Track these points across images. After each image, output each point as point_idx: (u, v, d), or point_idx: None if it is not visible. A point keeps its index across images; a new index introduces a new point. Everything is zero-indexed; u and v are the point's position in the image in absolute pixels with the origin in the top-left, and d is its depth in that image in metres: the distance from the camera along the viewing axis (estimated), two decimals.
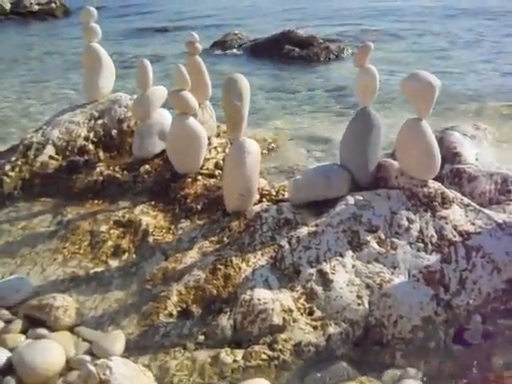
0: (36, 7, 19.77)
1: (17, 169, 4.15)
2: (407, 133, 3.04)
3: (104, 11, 20.35)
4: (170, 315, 2.62)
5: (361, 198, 3.01)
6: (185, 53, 4.32)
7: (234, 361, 2.36)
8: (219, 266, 2.79)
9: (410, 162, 3.05)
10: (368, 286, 2.60)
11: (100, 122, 4.49)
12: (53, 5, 20.40)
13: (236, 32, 11.11)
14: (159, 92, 4.12)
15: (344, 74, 8.25)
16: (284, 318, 2.50)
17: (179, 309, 2.65)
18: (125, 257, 3.11)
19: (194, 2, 20.83)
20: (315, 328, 2.48)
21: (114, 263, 3.07)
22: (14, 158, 4.24)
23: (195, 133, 3.66)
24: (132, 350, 2.48)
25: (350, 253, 2.76)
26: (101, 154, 4.32)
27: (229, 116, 3.08)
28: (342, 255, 2.75)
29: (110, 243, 3.21)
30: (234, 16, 15.65)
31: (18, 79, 9.04)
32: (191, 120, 3.67)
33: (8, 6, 19.72)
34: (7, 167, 4.16)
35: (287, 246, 2.85)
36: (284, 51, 9.40)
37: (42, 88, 8.26)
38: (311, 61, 9.13)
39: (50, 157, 4.25)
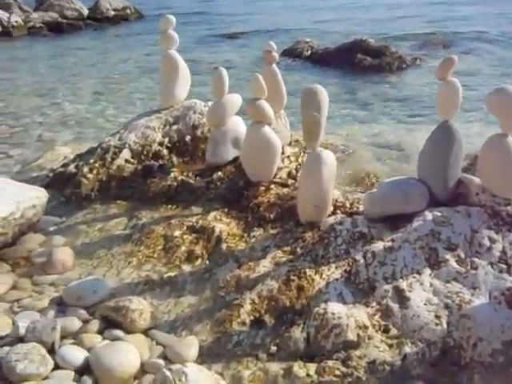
0: (112, 13, 20.35)
1: (94, 171, 4.27)
2: (491, 148, 2.94)
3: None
4: (243, 324, 2.62)
5: (439, 214, 2.93)
6: (262, 60, 4.35)
7: (307, 375, 2.33)
8: (292, 277, 2.78)
9: (493, 179, 2.95)
10: (447, 306, 2.52)
11: (175, 127, 4.57)
12: (128, 10, 20.98)
13: (307, 40, 11.07)
14: (234, 99, 4.14)
15: (417, 84, 8.11)
16: (358, 335, 2.45)
17: (252, 318, 2.64)
18: (198, 262, 3.14)
19: (263, 9, 20.97)
20: (390, 346, 2.42)
21: (187, 268, 3.10)
22: (91, 161, 4.37)
23: (270, 142, 3.66)
24: (205, 356, 2.49)
25: (427, 270, 2.69)
26: (174, 159, 4.39)
27: (306, 127, 3.06)
28: (419, 273, 2.68)
29: (183, 248, 3.25)
30: (302, 23, 15.63)
31: (94, 82, 9.32)
32: (266, 129, 3.67)
33: (86, 12, 20.39)
34: (85, 169, 4.29)
35: (362, 261, 2.81)
36: (355, 60, 9.30)
37: (117, 92, 8.48)
38: (383, 70, 9.00)
39: (126, 160, 4.35)
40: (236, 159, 4.07)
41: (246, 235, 3.28)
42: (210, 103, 4.66)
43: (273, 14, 18.67)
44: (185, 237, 3.33)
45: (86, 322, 2.69)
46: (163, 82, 4.79)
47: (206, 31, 14.46)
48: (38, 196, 3.56)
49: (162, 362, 2.42)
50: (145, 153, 4.41)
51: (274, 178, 3.76)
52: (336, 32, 13.31)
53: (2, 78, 9.65)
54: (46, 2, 20.40)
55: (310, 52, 10.51)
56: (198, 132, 4.54)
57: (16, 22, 17.30)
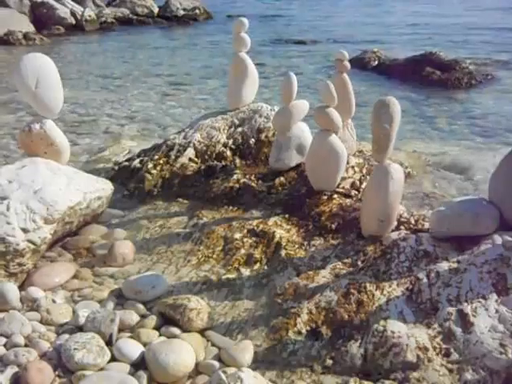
0: (181, 12, 20.67)
1: (158, 167, 4.33)
2: None
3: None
4: (299, 333, 2.59)
5: (510, 238, 2.82)
6: (333, 68, 4.31)
7: None
8: (352, 291, 2.73)
9: None
10: None
11: (240, 129, 4.59)
12: (197, 11, 21.26)
13: (374, 50, 10.94)
14: (301, 106, 4.12)
15: (486, 101, 7.88)
16: (418, 356, 2.38)
17: (308, 328, 2.61)
18: (256, 267, 3.13)
19: (332, 17, 20.87)
20: (451, 371, 2.35)
21: (245, 272, 3.09)
22: (156, 157, 4.44)
23: (336, 151, 3.61)
24: (259, 362, 2.47)
25: (494, 296, 2.59)
26: (237, 161, 4.40)
27: (376, 139, 3.01)
28: (485, 298, 2.59)
29: (242, 251, 3.24)
30: (370, 33, 15.47)
31: (161, 81, 9.47)
32: (333, 137, 3.63)
33: (156, 10, 20.79)
34: (150, 165, 4.35)
35: (425, 280, 2.73)
36: (423, 73, 9.12)
37: (182, 91, 8.59)
38: (451, 85, 8.77)
39: (190, 159, 4.40)
40: (298, 166, 4.05)
41: (305, 243, 3.24)
42: (276, 107, 4.67)
43: (342, 22, 18.56)
44: (245, 240, 3.33)
45: (143, 316, 2.72)
46: (231, 83, 4.81)
47: (274, 35, 14.49)
48: (104, 188, 3.63)
49: (216, 363, 2.41)
50: (209, 153, 4.44)
51: (337, 187, 3.72)
52: (405, 43, 13.11)
53: (74, 69, 9.95)
54: None
55: (377, 62, 10.38)
56: (263, 136, 4.54)
57: (89, 16, 17.77)
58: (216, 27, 18.61)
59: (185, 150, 4.44)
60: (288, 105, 4.04)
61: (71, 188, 3.27)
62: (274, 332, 2.62)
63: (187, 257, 3.28)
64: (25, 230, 2.93)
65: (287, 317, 2.67)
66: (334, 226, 3.32)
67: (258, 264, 3.15)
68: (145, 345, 2.49)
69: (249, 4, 28.48)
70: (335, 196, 3.61)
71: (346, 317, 2.63)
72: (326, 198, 3.60)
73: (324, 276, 2.91)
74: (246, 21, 4.66)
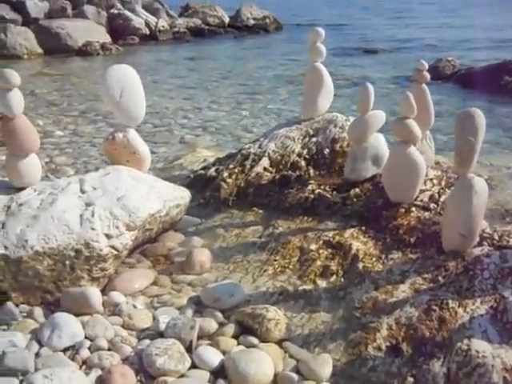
0: (252, 22, 20.91)
1: (233, 176, 4.37)
2: None
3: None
4: (379, 349, 2.55)
5: None
6: (412, 79, 4.24)
7: None
8: (434, 307, 2.66)
9: None
10: None
11: (314, 139, 4.57)
12: (267, 20, 21.44)
13: (449, 58, 10.71)
14: (378, 116, 4.07)
15: None
16: (505, 378, 2.30)
17: (388, 344, 2.56)
18: (333, 279, 3.10)
19: (404, 25, 20.57)
20: None
21: (322, 284, 3.07)
22: (231, 166, 4.48)
23: (415, 162, 3.55)
24: (338, 377, 2.45)
25: None
26: (311, 171, 4.38)
27: (460, 151, 2.93)
28: None
29: (318, 263, 3.22)
30: (444, 41, 15.16)
31: (233, 90, 9.59)
32: (412, 149, 3.57)
33: (227, 20, 21.11)
34: (225, 174, 4.40)
35: (511, 299, 2.63)
36: (502, 83, 8.84)
37: (254, 100, 8.66)
38: None
39: (265, 169, 4.42)
40: (374, 177, 4.00)
41: (383, 257, 3.19)
42: (351, 118, 4.63)
43: (414, 30, 18.27)
44: (321, 251, 3.31)
45: (221, 324, 2.74)
46: (307, 93, 4.82)
47: (344, 44, 14.43)
48: (183, 196, 3.70)
49: (295, 376, 2.40)
50: (283, 162, 4.45)
51: (416, 200, 3.64)
52: (481, 52, 12.76)
53: (148, 79, 10.21)
54: (190, 9, 21.37)
55: (452, 71, 10.15)
56: (337, 146, 4.51)
57: (163, 26, 18.23)
58: (286, 36, 18.73)
59: (260, 160, 4.47)
60: (364, 115, 4.00)
61: (152, 196, 3.34)
62: (353, 346, 2.59)
63: (263, 266, 3.29)
64: (108, 236, 3.02)
65: (366, 331, 2.63)
66: (412, 240, 3.26)
67: (335, 276, 3.12)
68: (224, 353, 2.51)
69: (318, 13, 28.48)
70: (413, 209, 3.54)
71: (428, 334, 2.56)
72: (403, 210, 3.54)
73: (403, 291, 2.85)
74: (322, 31, 4.65)
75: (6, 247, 2.84)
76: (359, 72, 10.87)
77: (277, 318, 2.67)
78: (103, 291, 3.02)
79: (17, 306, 2.83)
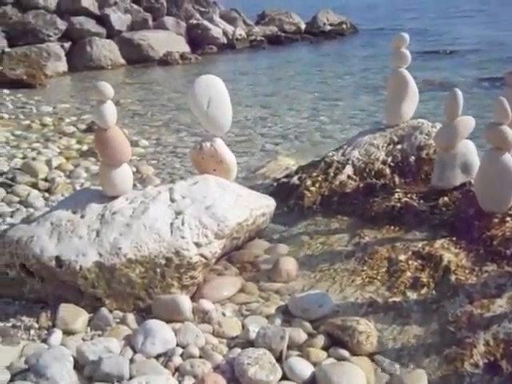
0: (328, 27, 20.82)
1: (317, 184, 4.35)
2: None
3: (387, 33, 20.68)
4: (476, 366, 2.45)
5: None
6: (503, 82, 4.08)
7: None
8: None
9: None
10: None
11: (399, 147, 4.48)
12: (344, 25, 21.30)
13: None
14: (468, 122, 3.93)
15: None
16: None
17: (486, 361, 2.46)
18: (424, 291, 3.01)
19: (485, 26, 19.90)
20: None
21: (412, 296, 2.99)
22: (314, 174, 4.46)
23: (509, 170, 3.40)
24: None
25: None
26: (396, 179, 4.30)
27: None
28: None
29: (408, 274, 3.14)
30: None
31: (312, 97, 9.56)
32: (506, 156, 3.42)
33: (303, 26, 21.11)
34: (308, 182, 4.38)
35: None
36: None
37: (333, 107, 8.60)
38: None
39: (349, 177, 4.37)
40: (463, 185, 3.87)
41: (477, 269, 3.07)
42: (437, 124, 4.51)
43: (493, 32, 17.62)
44: (410, 262, 3.23)
45: (310, 335, 2.72)
46: (390, 99, 4.73)
47: (423, 47, 14.10)
48: (268, 205, 3.71)
49: None
50: (367, 170, 4.39)
51: (510, 209, 3.49)
52: None
53: (227, 87, 10.33)
54: (267, 17, 21.52)
55: None
56: (423, 153, 4.40)
57: (240, 35, 18.45)
58: (363, 41, 18.52)
59: (343, 168, 4.42)
60: (453, 121, 3.88)
61: (239, 204, 3.37)
62: (448, 362, 2.50)
63: (351, 276, 3.24)
64: (197, 245, 3.06)
65: (462, 347, 2.54)
66: (508, 252, 3.12)
67: (426, 288, 3.03)
68: (314, 365, 2.48)
69: (394, 17, 28.01)
70: (508, 219, 3.39)
71: None
72: (497, 220, 3.39)
73: (500, 305, 2.73)
74: (406, 36, 4.55)
75: (100, 254, 2.94)
76: (440, 75, 10.58)
77: (368, 330, 2.62)
78: (192, 298, 3.06)
79: (110, 312, 2.92)
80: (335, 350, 2.58)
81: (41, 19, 15.02)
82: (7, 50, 14.33)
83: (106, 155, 3.21)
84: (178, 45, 16.49)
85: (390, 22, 24.15)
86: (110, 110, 3.14)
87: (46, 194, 4.92)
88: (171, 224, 3.08)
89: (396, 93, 4.61)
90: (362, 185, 4.26)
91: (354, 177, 4.37)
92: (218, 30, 18.07)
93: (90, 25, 15.65)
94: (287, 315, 2.90)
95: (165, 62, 15.21)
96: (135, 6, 17.19)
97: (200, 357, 2.58)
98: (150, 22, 17.11)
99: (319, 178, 4.40)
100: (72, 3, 15.66)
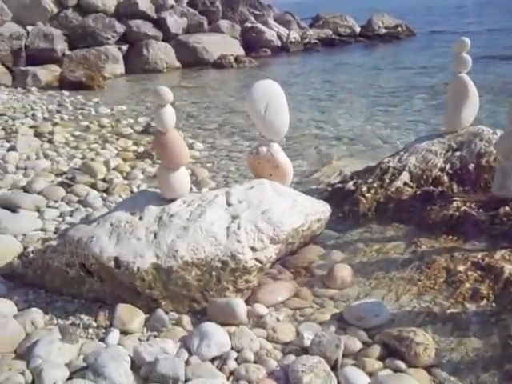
0: (383, 30, 20.63)
1: (372, 191, 4.29)
2: None
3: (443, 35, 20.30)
4: None
5: None
6: None
7: None
8: None
9: None
10: None
11: (458, 154, 4.39)
12: (399, 28, 21.05)
13: None
14: None
15: None
16: None
17: None
18: (483, 303, 2.93)
19: None
20: None
21: (471, 307, 2.91)
22: (370, 180, 4.41)
23: None
24: None
25: None
26: (454, 187, 4.21)
27: None
28: None
29: (467, 285, 3.07)
30: None
31: (366, 100, 9.48)
32: None
33: (358, 29, 20.97)
34: (364, 188, 4.34)
35: None
36: None
37: (388, 111, 8.49)
38: None
39: (405, 183, 4.30)
40: None
41: None
42: (498, 131, 4.40)
43: None
44: (469, 273, 3.15)
45: (365, 344, 2.69)
46: (450, 105, 4.63)
47: (481, 51, 13.76)
48: (323, 210, 3.69)
49: None
50: (424, 177, 4.31)
51: None
52: None
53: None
54: (321, 19, 21.50)
55: None
56: (483, 161, 4.29)
57: (294, 38, 18.48)
58: (419, 44, 18.25)
59: (400, 174, 4.36)
60: None
61: (295, 210, 3.37)
62: (509, 378, 2.42)
63: (407, 285, 3.19)
64: (253, 249, 3.07)
65: None
66: None
67: (485, 300, 2.95)
68: (369, 375, 2.45)
69: (451, 20, 27.51)
70: None
71: None
72: None
73: None
74: (467, 40, 4.45)
75: (158, 256, 2.98)
76: (500, 80, 10.31)
77: (425, 342, 2.56)
78: (246, 302, 3.07)
79: (166, 313, 2.96)
80: (391, 361, 2.54)
81: (100, 22, 15.42)
82: (67, 52, 14.78)
83: (164, 158, 3.26)
84: (233, 48, 16.65)
85: (447, 25, 23.72)
86: (170, 114, 3.19)
87: (104, 195, 5.03)
88: (227, 228, 3.10)
89: (456, 98, 4.52)
90: (418, 192, 4.18)
91: (411, 184, 4.30)
92: (272, 32, 18.16)
93: (147, 28, 15.96)
94: (342, 322, 2.87)
95: (219, 64, 15.38)
96: (191, 10, 17.45)
97: (254, 362, 2.58)
98: (206, 26, 17.34)
99: (375, 184, 4.35)
100: (130, 7, 16.02)
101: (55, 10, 15.74)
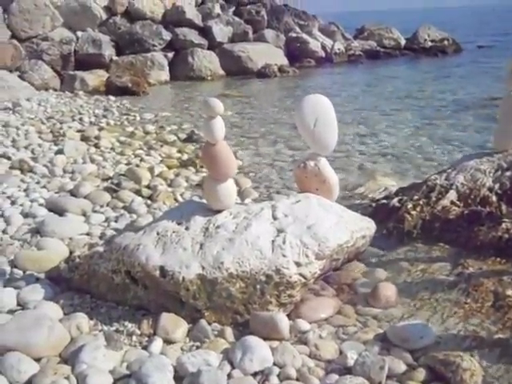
0: (429, 44, 20.38)
1: (418, 208, 4.23)
2: None
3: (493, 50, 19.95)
4: None
5: None
6: None
7: None
8: None
9: None
10: None
11: (508, 173, 4.29)
12: (445, 42, 20.78)
13: None
14: None
15: None
16: None
17: None
18: None
19: None
20: None
21: None
22: (416, 197, 4.35)
23: None
24: None
25: None
26: (503, 207, 4.11)
27: None
28: None
29: None
30: None
31: (411, 115, 9.36)
32: None
33: (403, 42, 20.78)
34: (409, 205, 4.28)
35: None
36: None
37: (434, 126, 8.37)
38: None
39: (452, 202, 4.23)
40: None
41: None
42: None
43: None
44: None
45: (410, 366, 2.64)
46: (501, 123, 4.57)
47: None
48: (368, 227, 3.66)
49: None
50: (472, 197, 4.23)
51: None
52: None
53: None
54: (366, 31, 21.39)
55: None
56: None
57: (338, 49, 18.44)
58: (466, 59, 18.00)
59: (447, 192, 4.29)
60: None
61: (340, 226, 3.34)
62: None
63: (453, 308, 3.13)
64: (298, 264, 3.06)
65: None
66: None
67: None
68: None
69: (501, 35, 27.05)
70: None
71: None
72: None
73: None
74: None
75: (203, 267, 3.00)
76: None
77: (472, 368, 2.50)
78: (289, 317, 3.05)
79: (209, 324, 2.96)
80: None
81: (147, 29, 15.66)
82: (115, 58, 15.05)
83: (212, 170, 3.28)
84: (277, 57, 16.70)
85: (496, 41, 23.34)
86: (219, 126, 3.22)
87: (148, 201, 5.09)
88: (273, 241, 3.10)
89: (508, 117, 4.44)
90: (466, 212, 4.10)
91: (458, 203, 4.22)
92: (316, 43, 18.16)
93: (193, 36, 16.15)
94: (386, 343, 2.83)
95: (263, 73, 15.43)
96: (237, 19, 17.58)
97: (297, 379, 2.56)
98: (251, 35, 17.44)
99: (421, 202, 4.29)
100: (177, 15, 16.24)
101: (104, 17, 16.05)
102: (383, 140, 7.60)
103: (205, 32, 16.55)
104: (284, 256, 3.05)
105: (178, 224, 3.26)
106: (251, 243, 3.07)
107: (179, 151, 7.17)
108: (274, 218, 3.25)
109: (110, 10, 16.25)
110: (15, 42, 14.33)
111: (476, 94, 10.90)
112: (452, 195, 4.27)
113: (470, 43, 22.67)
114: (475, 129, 7.96)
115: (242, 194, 5.20)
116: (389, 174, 5.94)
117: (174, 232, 3.19)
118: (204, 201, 3.46)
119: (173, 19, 16.33)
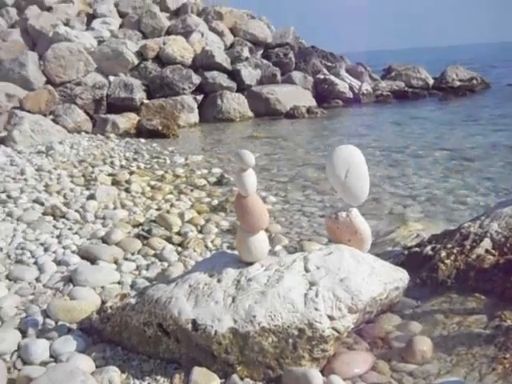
0: (457, 83, 20.37)
1: (452, 257, 4.16)
2: None
3: None
4: None
5: None
6: None
7: None
8: None
9: None
10: None
11: None
12: (474, 81, 20.74)
13: None
14: None
15: None
16: None
17: None
18: None
19: None
20: None
21: None
22: (449, 245, 4.28)
23: None
24: None
25: None
26: None
27: None
28: None
29: None
30: None
31: (441, 156, 9.31)
32: None
33: (431, 82, 20.81)
34: (443, 253, 4.21)
35: None
36: None
37: (465, 169, 8.30)
38: None
39: (487, 251, 4.15)
40: None
41: None
42: None
43: None
44: None
45: None
46: None
47: None
48: (402, 278, 3.61)
49: None
50: (508, 245, 4.15)
51: None
52: None
53: (353, 142, 10.32)
54: (393, 71, 21.49)
55: None
56: None
57: (366, 90, 18.53)
58: (495, 98, 17.91)
59: (481, 241, 4.21)
60: None
61: (373, 278, 3.30)
62: None
63: (491, 364, 3.03)
64: (331, 318, 3.02)
65: None
66: None
67: None
68: None
69: None
70: None
71: None
72: None
73: None
74: None
75: (235, 321, 2.98)
76: None
77: None
78: (322, 372, 3.00)
79: (241, 379, 2.93)
80: None
81: (177, 74, 15.99)
82: (145, 101, 15.35)
83: (244, 222, 3.29)
84: (305, 98, 16.86)
85: None
86: (251, 179, 3.24)
87: (179, 248, 5.11)
88: (305, 295, 3.07)
89: None
90: (501, 261, 4.02)
91: (493, 251, 4.14)
92: (344, 84, 18.28)
93: (222, 79, 16.42)
94: None
95: (291, 115, 15.57)
96: (265, 61, 17.85)
97: None
98: (279, 77, 17.67)
99: (454, 250, 4.21)
100: (207, 59, 16.56)
101: (136, 62, 16.46)
102: (414, 182, 7.56)
103: (234, 75, 16.83)
104: (317, 310, 3.01)
105: (210, 276, 3.26)
106: (283, 296, 3.04)
107: (209, 195, 7.22)
108: (306, 270, 3.23)
109: (141, 55, 16.68)
110: (50, 87, 14.76)
111: (507, 135, 10.80)
112: (486, 243, 4.19)
113: (499, 81, 22.57)
114: (508, 172, 7.87)
115: (272, 240, 5.19)
116: (420, 218, 5.88)
117: (205, 284, 3.19)
118: (236, 252, 3.46)
119: (202, 63, 16.66)
